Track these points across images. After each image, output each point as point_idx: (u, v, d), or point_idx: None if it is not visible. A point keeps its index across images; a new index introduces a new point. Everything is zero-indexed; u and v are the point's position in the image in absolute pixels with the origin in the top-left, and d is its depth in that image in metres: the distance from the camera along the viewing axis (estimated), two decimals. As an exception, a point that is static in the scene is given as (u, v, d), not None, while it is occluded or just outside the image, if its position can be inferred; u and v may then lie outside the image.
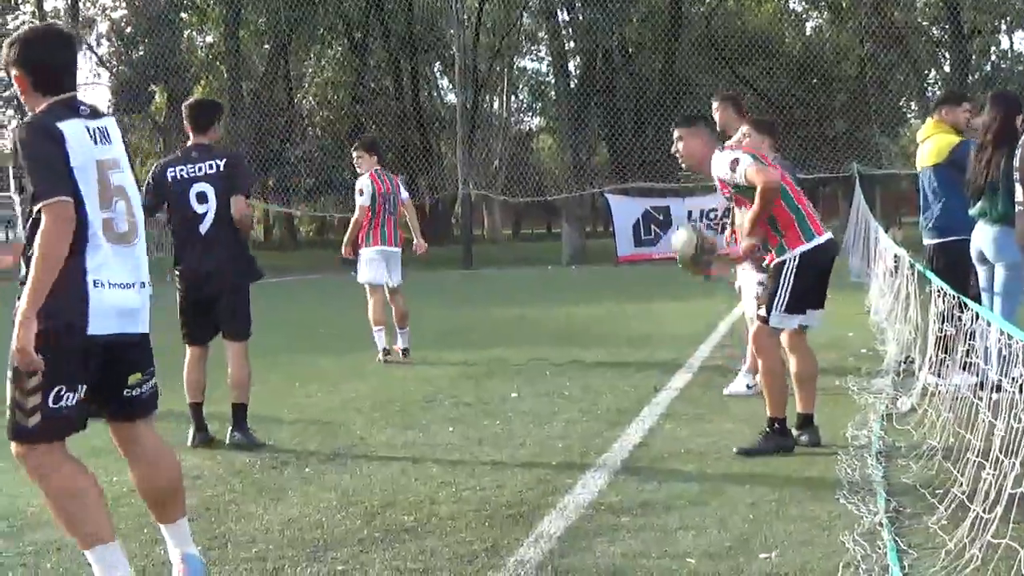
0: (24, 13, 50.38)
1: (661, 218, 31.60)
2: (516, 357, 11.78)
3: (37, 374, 4.06)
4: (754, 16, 47.12)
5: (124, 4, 48.89)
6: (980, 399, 5.48)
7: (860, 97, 36.87)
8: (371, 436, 7.82)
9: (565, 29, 40.91)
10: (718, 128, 8.56)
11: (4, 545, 5.36)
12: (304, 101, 47.71)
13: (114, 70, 49.52)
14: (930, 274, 8.50)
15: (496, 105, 54.33)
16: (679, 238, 7.47)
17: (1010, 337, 5.10)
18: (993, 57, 46.50)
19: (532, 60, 57.87)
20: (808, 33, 47.45)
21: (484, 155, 42.89)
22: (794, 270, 6.86)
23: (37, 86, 4.39)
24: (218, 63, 46.12)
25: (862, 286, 17.56)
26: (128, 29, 46.79)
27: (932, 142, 9.25)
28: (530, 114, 62.31)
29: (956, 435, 5.98)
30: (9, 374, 4.13)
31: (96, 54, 51.88)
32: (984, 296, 8.48)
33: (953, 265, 8.85)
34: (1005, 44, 48.43)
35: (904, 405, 7.94)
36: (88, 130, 4.27)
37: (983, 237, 8.32)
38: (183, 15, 45.61)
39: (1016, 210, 7.62)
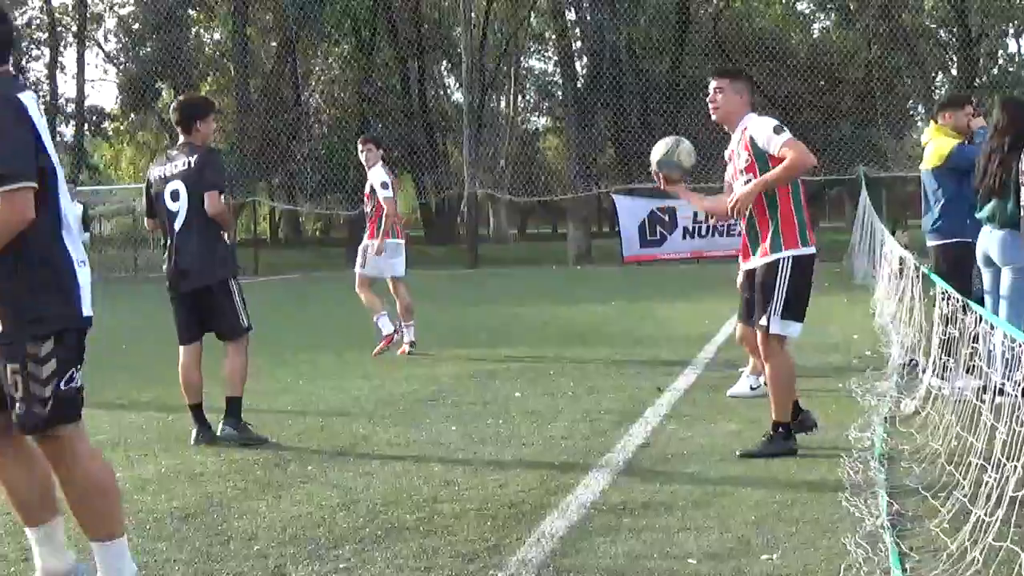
0: (32, 8, 50.49)
1: (667, 219, 31.58)
2: (520, 357, 11.79)
3: (51, 361, 4.05)
4: (761, 18, 47.07)
5: (132, 0, 48.95)
6: (983, 402, 5.48)
7: (867, 100, 36.82)
8: (374, 434, 7.83)
9: (572, 29, 40.92)
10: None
11: (6, 540, 5.37)
12: (311, 99, 47.65)
13: (121, 67, 49.56)
14: (934, 277, 8.50)
15: (503, 105, 54.23)
16: (664, 140, 7.37)
17: (1013, 340, 5.10)
18: (1000, 61, 46.43)
19: (539, 60, 57.78)
20: (815, 35, 47.41)
21: (490, 155, 42.84)
22: (788, 275, 6.77)
23: None
24: (225, 60, 46.13)
25: (868, 288, 17.55)
26: (136, 25, 46.85)
27: (932, 145, 9.28)
28: (537, 114, 62.27)
29: (959, 438, 5.97)
30: (16, 366, 4.06)
31: (104, 50, 51.98)
32: (988, 299, 8.48)
33: (954, 267, 8.87)
34: (1012, 48, 48.33)
35: (908, 408, 7.94)
36: (36, 103, 4.15)
37: (991, 240, 8.32)
38: (191, 12, 45.66)
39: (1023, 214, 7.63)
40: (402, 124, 43.71)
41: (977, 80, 40.82)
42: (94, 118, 52.44)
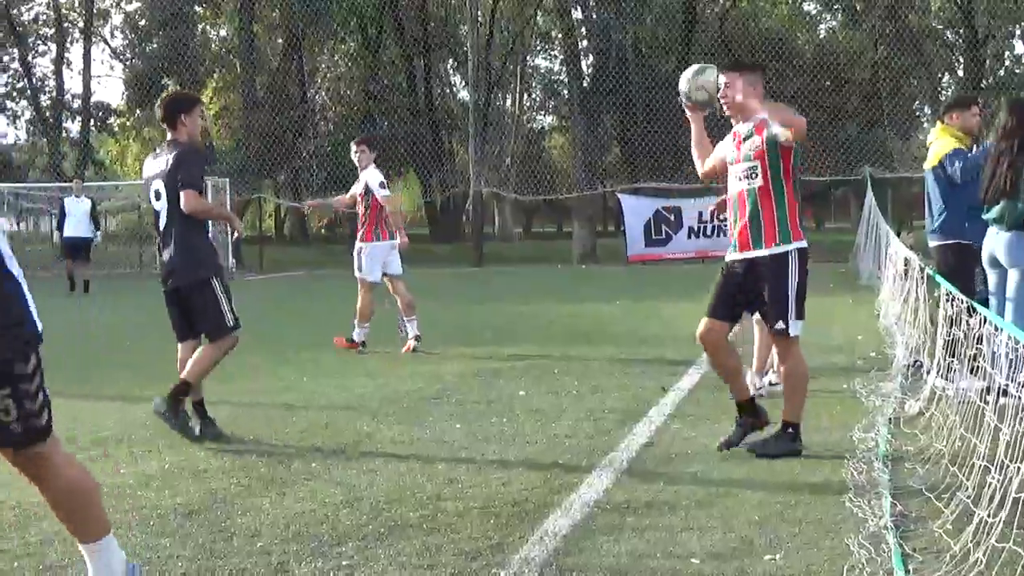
0: (39, 4, 50.58)
1: (672, 218, 31.61)
2: (524, 355, 11.79)
3: (38, 376, 4.03)
4: (768, 18, 47.03)
5: (139, -4, 49.05)
6: (987, 403, 5.48)
7: (873, 100, 36.80)
8: (378, 432, 7.84)
9: (579, 28, 40.92)
10: None
11: (10, 535, 5.38)
12: (317, 96, 47.70)
13: (127, 63, 49.65)
14: (939, 278, 8.50)
15: (508, 103, 54.28)
16: (697, 66, 7.20)
17: (1017, 342, 5.10)
18: (1007, 62, 46.39)
19: (545, 59, 57.82)
20: (822, 35, 47.37)
21: (496, 153, 42.87)
22: (797, 272, 6.76)
23: None
24: (232, 57, 46.18)
25: (873, 289, 17.54)
26: (142, 22, 46.93)
27: (934, 146, 9.30)
28: (542, 113, 62.32)
29: (963, 439, 5.97)
30: (8, 390, 3.94)
31: (110, 46, 52.08)
32: (993, 300, 8.48)
33: (955, 268, 8.87)
34: (1019, 49, 48.34)
35: (912, 408, 7.93)
36: None
37: (998, 242, 8.31)
38: (197, 8, 45.71)
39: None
40: (408, 122, 43.79)
41: (983, 81, 40.81)
42: (100, 114, 52.61)
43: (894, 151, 35.57)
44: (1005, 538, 4.31)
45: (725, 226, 29.24)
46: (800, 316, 6.82)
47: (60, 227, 24.44)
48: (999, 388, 5.58)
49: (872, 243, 21.83)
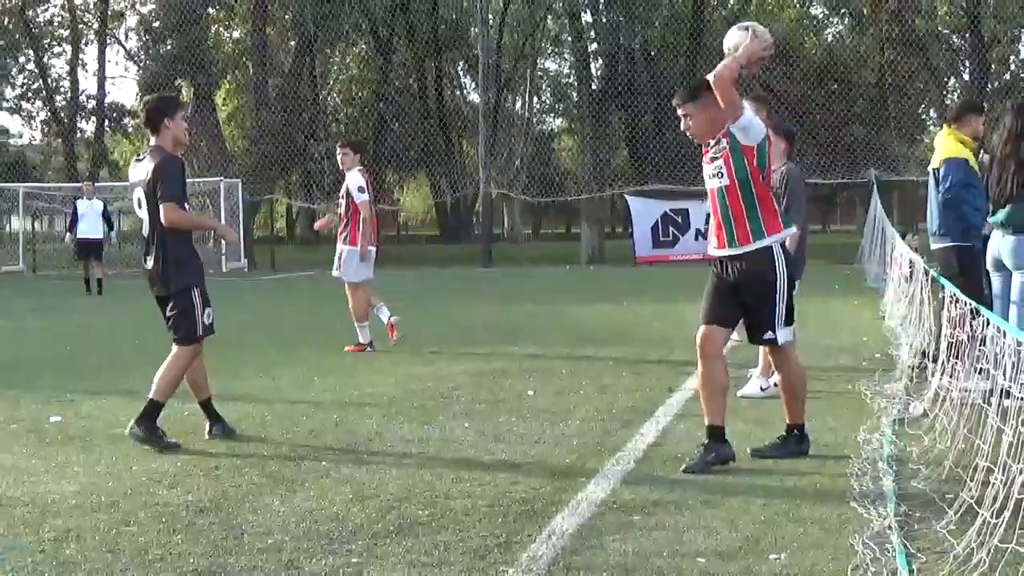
0: (54, 5, 50.70)
1: (680, 220, 31.65)
2: (533, 355, 11.83)
3: None
4: (775, 21, 46.94)
5: (153, -1, 49.12)
6: (990, 405, 5.52)
7: (879, 104, 36.73)
8: (387, 431, 7.88)
9: (588, 31, 40.93)
10: None
11: (25, 531, 5.43)
12: (328, 98, 47.77)
13: (142, 64, 49.70)
14: (944, 280, 8.52)
15: (518, 105, 54.32)
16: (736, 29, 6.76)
17: (1020, 344, 5.14)
18: (1012, 66, 46.26)
19: (555, 61, 57.81)
20: (828, 39, 47.28)
21: (505, 155, 42.85)
22: (783, 274, 6.60)
23: None
24: (244, 59, 46.24)
25: (879, 291, 17.56)
26: (156, 24, 46.95)
27: (938, 150, 9.29)
28: (552, 115, 62.28)
29: (966, 440, 6.01)
30: None
31: (124, 48, 52.17)
32: (997, 303, 8.50)
33: (956, 270, 8.89)
34: (1025, 54, 48.13)
35: (916, 410, 7.97)
36: None
37: (1003, 244, 8.34)
38: (211, 10, 45.76)
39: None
40: (418, 123, 43.83)
41: (989, 85, 40.71)
42: (114, 115, 52.74)
43: (900, 154, 35.53)
44: (1008, 538, 4.35)
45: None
46: (788, 322, 6.72)
47: (72, 228, 24.55)
48: (1002, 390, 5.61)
49: (878, 246, 21.84)
